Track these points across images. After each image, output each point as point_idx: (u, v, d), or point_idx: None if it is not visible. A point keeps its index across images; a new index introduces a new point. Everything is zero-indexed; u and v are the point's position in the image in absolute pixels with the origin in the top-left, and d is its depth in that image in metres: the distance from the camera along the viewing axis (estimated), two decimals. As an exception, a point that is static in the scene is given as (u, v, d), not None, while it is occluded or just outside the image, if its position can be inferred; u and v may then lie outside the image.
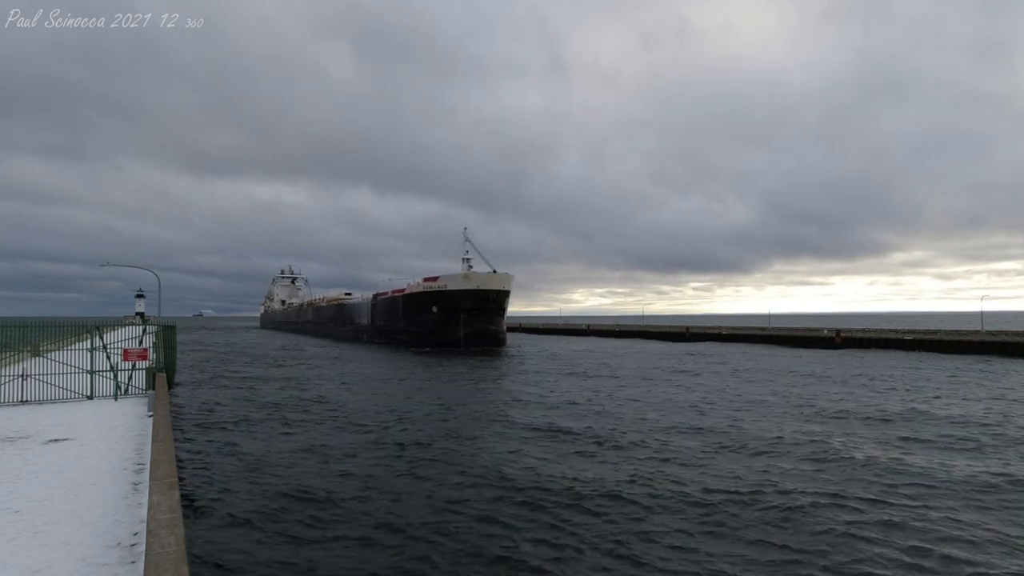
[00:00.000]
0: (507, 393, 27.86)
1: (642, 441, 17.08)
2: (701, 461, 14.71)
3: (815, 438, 17.31)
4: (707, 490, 12.22)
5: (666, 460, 14.96)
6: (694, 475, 13.44)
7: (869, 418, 21.04)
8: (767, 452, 15.81)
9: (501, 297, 63.99)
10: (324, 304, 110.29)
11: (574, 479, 13.08)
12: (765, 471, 13.80)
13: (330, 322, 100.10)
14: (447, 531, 10.30)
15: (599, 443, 16.89)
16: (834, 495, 11.98)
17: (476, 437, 17.94)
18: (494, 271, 64.23)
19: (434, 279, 64.74)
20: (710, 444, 16.59)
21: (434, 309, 63.58)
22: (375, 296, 77.50)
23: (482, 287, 62.39)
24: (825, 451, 15.72)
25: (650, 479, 13.00)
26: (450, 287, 62.82)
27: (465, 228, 68.56)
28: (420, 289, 65.35)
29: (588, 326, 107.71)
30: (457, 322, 62.12)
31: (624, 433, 18.30)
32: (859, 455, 15.06)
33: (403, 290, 68.72)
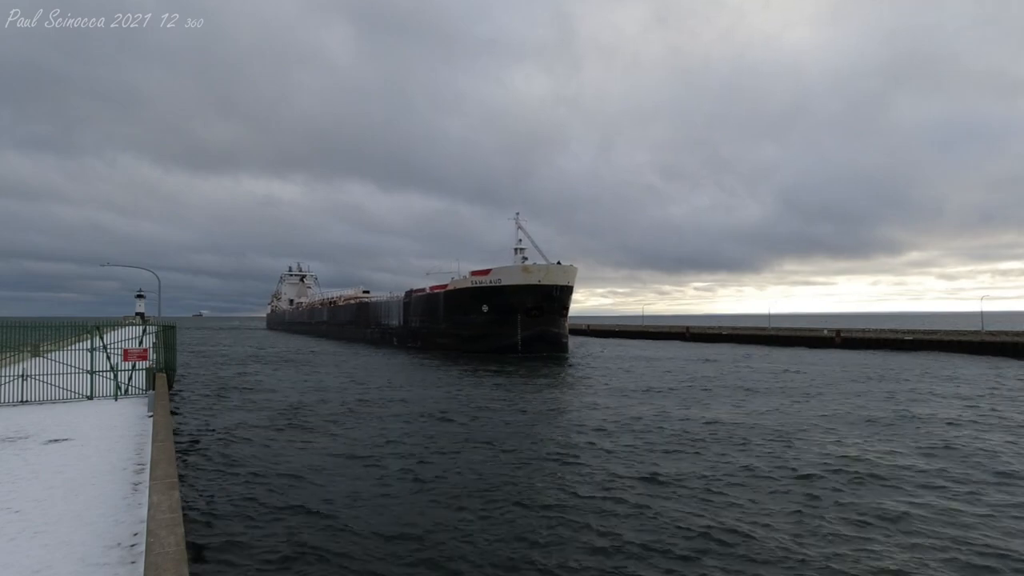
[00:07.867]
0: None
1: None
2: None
3: None
4: None
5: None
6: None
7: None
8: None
9: (565, 294, 56.96)
10: (342, 303, 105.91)
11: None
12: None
13: (350, 323, 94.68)
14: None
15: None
16: None
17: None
18: (557, 263, 57.26)
19: (484, 272, 57.90)
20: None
21: (484, 308, 56.88)
22: (408, 293, 72.09)
23: (544, 282, 54.98)
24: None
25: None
26: (505, 282, 55.83)
27: (517, 214, 61.83)
28: (467, 285, 58.81)
29: (588, 326, 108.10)
30: (513, 323, 55.18)
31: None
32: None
33: (445, 286, 62.86)
